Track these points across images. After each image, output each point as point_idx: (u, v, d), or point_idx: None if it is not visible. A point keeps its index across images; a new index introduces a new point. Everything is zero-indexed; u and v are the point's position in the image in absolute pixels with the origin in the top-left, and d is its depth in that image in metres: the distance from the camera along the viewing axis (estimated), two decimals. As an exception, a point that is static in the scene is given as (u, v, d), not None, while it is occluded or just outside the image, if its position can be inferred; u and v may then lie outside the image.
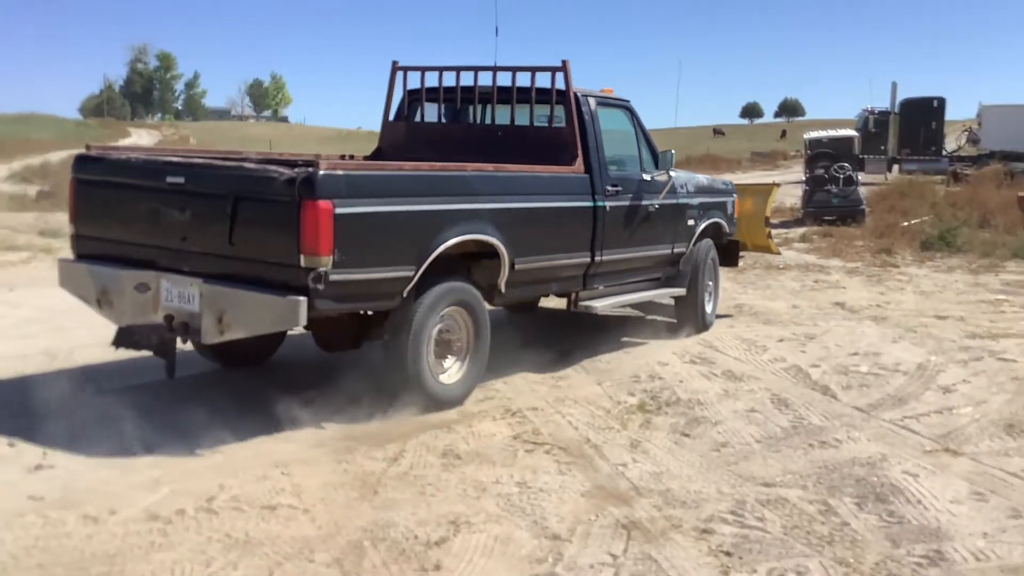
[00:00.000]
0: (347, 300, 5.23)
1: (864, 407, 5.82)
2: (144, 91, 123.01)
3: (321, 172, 4.88)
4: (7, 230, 13.35)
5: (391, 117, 7.68)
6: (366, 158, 7.49)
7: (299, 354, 6.78)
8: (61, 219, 11.68)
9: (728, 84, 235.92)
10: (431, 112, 7.61)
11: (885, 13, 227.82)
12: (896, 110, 35.96)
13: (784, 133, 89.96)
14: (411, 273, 5.40)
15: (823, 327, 8.39)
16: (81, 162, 5.97)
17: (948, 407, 5.77)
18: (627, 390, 6.31)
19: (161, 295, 5.39)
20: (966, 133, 38.07)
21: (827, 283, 11.13)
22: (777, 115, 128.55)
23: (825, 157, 35.38)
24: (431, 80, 7.41)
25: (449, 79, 7.33)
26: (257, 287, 5.02)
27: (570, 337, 7.82)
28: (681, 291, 8.01)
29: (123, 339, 5.52)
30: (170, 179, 5.37)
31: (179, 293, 5.35)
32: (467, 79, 7.23)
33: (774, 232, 16.89)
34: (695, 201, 8.10)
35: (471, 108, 7.45)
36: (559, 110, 6.95)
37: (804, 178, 35.63)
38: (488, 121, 7.31)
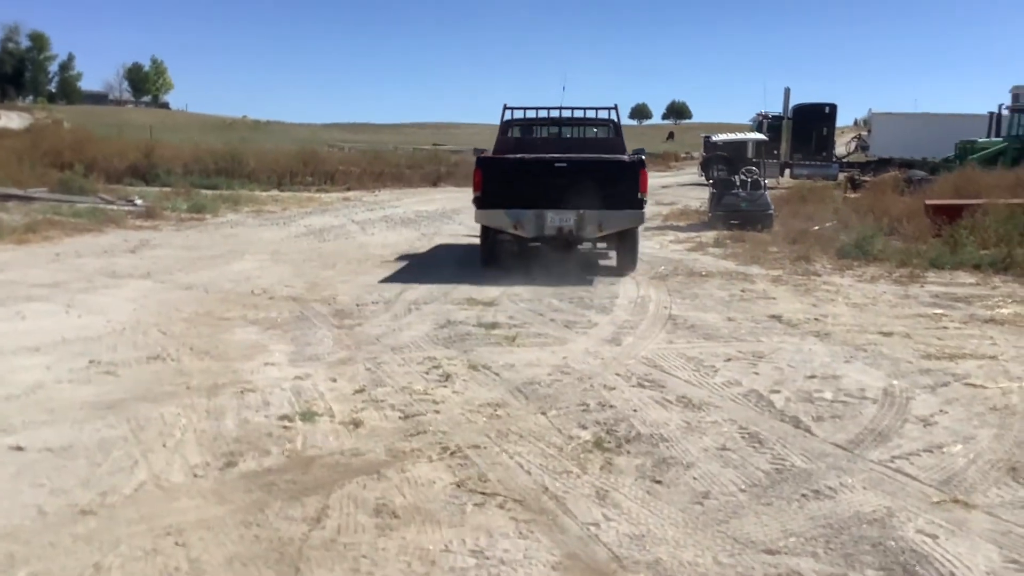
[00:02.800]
0: None
1: (845, 444, 5.19)
2: (15, 72, 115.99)
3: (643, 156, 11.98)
4: None
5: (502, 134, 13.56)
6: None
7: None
8: None
9: (617, 85, 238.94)
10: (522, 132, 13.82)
11: (776, 19, 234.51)
12: (789, 115, 36.46)
13: (671, 135, 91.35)
14: None
15: (768, 344, 7.81)
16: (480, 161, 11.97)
17: (936, 444, 5.19)
18: (577, 421, 5.54)
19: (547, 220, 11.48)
20: (856, 140, 38.95)
21: (755, 293, 10.62)
22: (665, 117, 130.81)
23: (720, 160, 35.98)
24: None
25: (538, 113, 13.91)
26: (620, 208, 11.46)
27: (490, 347, 7.02)
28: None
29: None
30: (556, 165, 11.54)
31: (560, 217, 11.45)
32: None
33: (684, 235, 16.55)
34: None
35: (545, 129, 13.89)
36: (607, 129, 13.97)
37: (699, 178, 36.21)
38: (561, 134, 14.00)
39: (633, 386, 6.40)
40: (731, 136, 24.08)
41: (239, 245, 13.82)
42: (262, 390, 6.02)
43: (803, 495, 4.41)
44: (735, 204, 18.65)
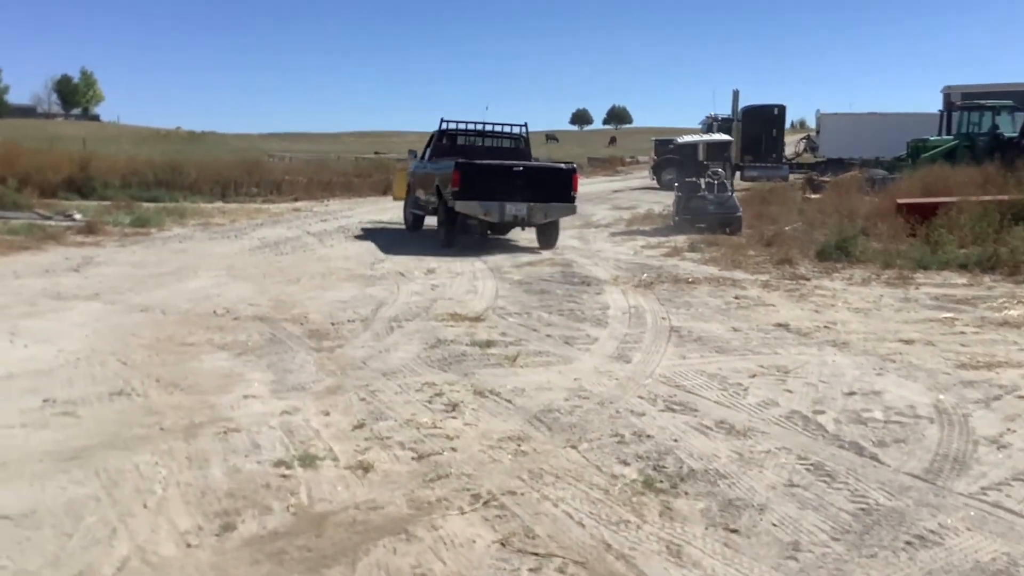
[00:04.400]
0: None
1: (923, 474, 4.61)
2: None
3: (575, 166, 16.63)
4: None
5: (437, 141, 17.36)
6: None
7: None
8: None
9: (556, 90, 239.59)
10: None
11: (716, 23, 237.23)
12: (738, 117, 36.28)
13: (613, 140, 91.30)
14: None
15: (787, 356, 7.25)
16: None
17: (1022, 471, 4.64)
18: (615, 456, 4.88)
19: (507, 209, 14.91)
20: (804, 140, 38.95)
21: (750, 299, 10.09)
22: (606, 122, 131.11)
23: (671, 163, 35.66)
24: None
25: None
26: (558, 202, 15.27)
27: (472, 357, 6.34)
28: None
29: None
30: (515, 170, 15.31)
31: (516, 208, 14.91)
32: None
33: (653, 239, 16.02)
34: None
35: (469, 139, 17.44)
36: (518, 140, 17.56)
37: (651, 182, 35.88)
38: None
39: (662, 410, 5.76)
40: (695, 137, 23.59)
41: (191, 261, 12.90)
42: (247, 429, 5.25)
43: (907, 543, 3.80)
44: (703, 207, 18.17)
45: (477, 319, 8.79)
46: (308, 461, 4.71)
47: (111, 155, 31.18)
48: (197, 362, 6.90)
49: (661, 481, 4.50)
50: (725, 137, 22.31)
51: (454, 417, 5.60)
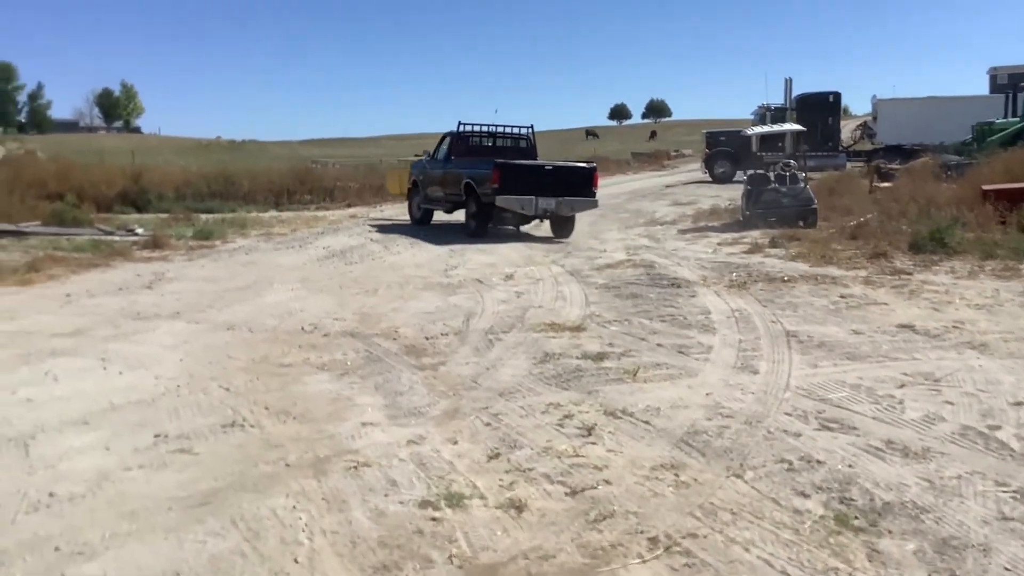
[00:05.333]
0: None
1: None
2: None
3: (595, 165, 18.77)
4: None
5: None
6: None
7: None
8: None
9: (593, 85, 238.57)
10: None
11: (753, 9, 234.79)
12: (792, 106, 35.50)
13: (654, 134, 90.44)
14: None
15: (928, 363, 6.73)
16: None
17: None
18: (789, 486, 4.42)
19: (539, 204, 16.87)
20: (860, 127, 38.02)
21: (857, 298, 9.54)
22: (645, 116, 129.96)
23: (724, 156, 34.98)
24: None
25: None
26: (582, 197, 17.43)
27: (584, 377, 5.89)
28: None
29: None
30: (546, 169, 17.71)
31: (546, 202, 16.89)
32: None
33: (727, 236, 15.45)
34: None
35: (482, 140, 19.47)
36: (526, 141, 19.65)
37: (702, 175, 35.25)
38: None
39: (818, 429, 5.28)
40: (768, 128, 22.95)
41: (262, 273, 12.59)
42: (377, 463, 4.85)
43: None
44: (776, 200, 17.56)
45: (578, 328, 8.35)
46: (454, 500, 4.30)
47: (162, 167, 31.19)
48: (301, 385, 6.53)
49: (856, 517, 4.02)
50: (797, 127, 21.53)
51: (593, 443, 5.17)
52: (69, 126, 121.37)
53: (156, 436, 5.27)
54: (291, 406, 5.97)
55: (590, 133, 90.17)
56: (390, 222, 20.98)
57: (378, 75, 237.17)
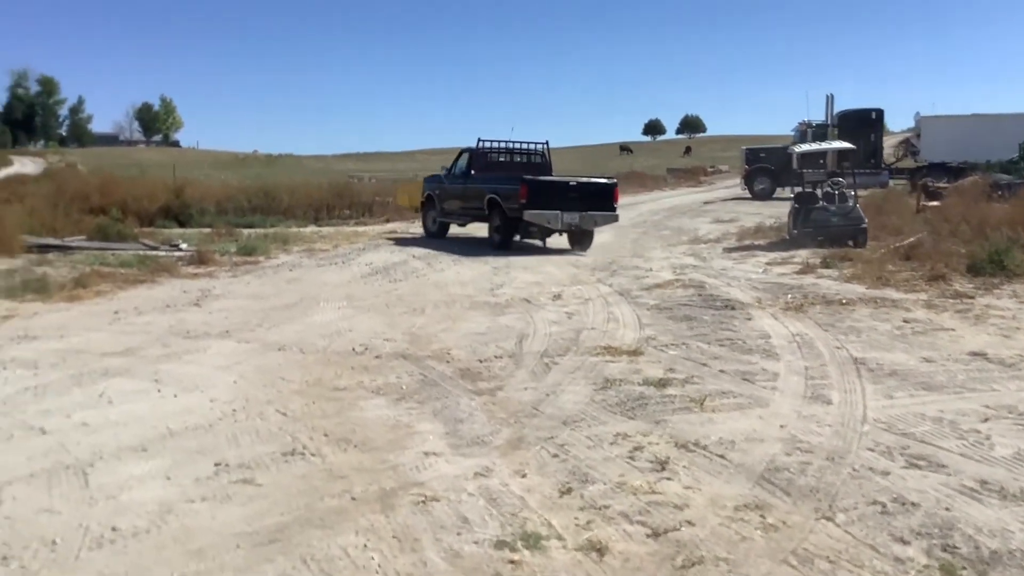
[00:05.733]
0: None
1: None
2: (25, 117, 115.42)
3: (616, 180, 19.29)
4: None
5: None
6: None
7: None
8: None
9: (628, 101, 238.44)
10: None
11: (789, 25, 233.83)
12: (834, 123, 35.03)
13: (688, 150, 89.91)
14: None
15: (1008, 394, 6.46)
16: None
17: None
18: (886, 531, 4.17)
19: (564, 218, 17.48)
20: (903, 145, 37.46)
21: (921, 323, 9.25)
22: (679, 131, 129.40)
23: (764, 173, 34.60)
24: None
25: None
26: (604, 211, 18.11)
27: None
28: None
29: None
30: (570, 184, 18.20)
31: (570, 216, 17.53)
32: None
33: (775, 255, 15.12)
34: None
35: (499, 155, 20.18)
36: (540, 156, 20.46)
37: (742, 192, 34.86)
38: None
39: (905, 467, 5.03)
40: (817, 145, 22.58)
41: (308, 291, 12.49)
42: (446, 498, 4.67)
43: None
44: (825, 219, 17.24)
45: (635, 352, 8.14)
46: (532, 541, 4.10)
47: (203, 181, 31.36)
48: (358, 411, 6.37)
49: (963, 568, 3.78)
50: (846, 144, 21.18)
51: (668, 478, 4.96)
52: (109, 139, 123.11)
53: (216, 465, 5.13)
54: (350, 433, 5.80)
55: (624, 148, 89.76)
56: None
57: (414, 90, 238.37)
